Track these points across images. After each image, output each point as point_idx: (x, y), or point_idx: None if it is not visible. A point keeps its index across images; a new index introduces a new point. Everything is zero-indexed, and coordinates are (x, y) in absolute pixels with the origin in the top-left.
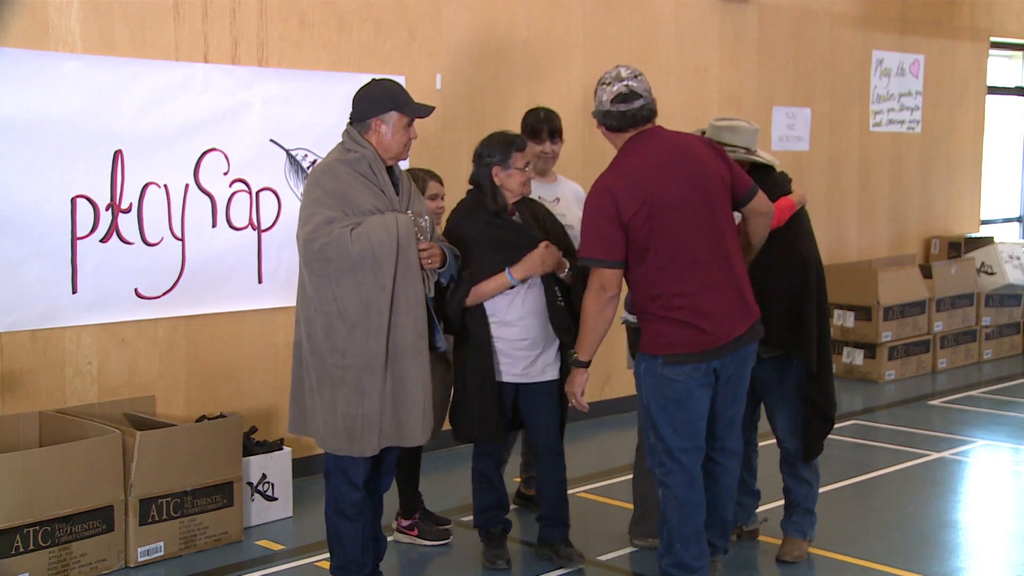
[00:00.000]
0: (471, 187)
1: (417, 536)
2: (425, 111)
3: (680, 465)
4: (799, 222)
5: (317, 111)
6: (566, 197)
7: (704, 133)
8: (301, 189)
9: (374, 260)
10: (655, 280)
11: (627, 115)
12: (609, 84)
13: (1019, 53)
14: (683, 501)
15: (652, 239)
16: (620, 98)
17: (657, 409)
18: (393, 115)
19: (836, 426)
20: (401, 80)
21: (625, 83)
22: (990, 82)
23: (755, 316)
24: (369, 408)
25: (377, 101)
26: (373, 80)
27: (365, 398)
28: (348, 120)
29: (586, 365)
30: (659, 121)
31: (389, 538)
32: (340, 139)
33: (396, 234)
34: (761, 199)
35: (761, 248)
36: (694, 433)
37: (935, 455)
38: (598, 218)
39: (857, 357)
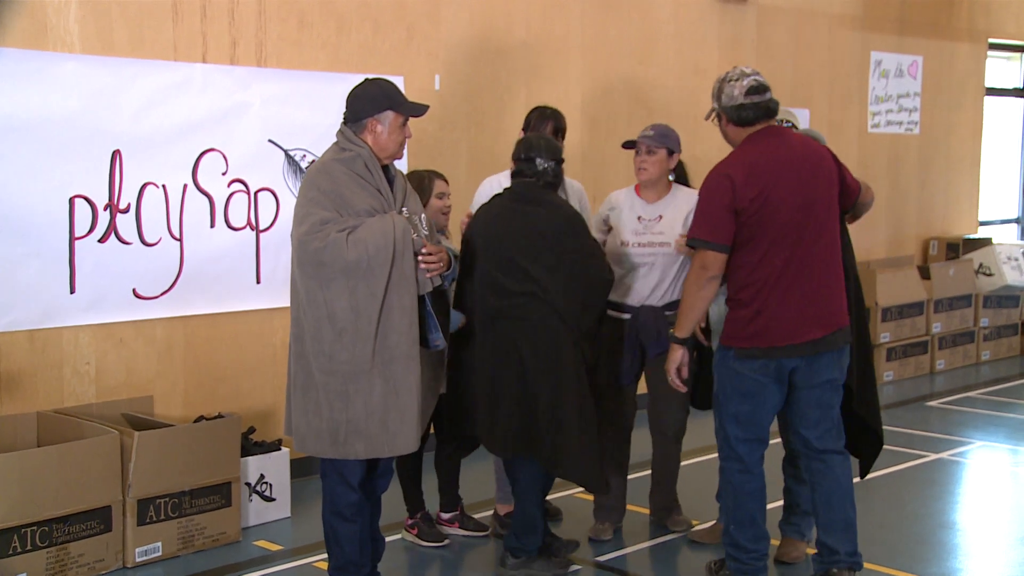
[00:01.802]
0: (545, 188)
1: (417, 536)
2: (420, 110)
3: (735, 454)
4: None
5: (316, 111)
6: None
7: None
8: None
9: (368, 267)
10: (751, 270)
11: (760, 106)
12: (737, 80)
13: (1017, 54)
14: (736, 487)
15: (757, 232)
16: (753, 90)
17: (724, 398)
18: (389, 114)
19: None
20: (400, 81)
21: (752, 78)
22: (988, 83)
23: (838, 325)
24: (353, 414)
25: (373, 100)
26: (367, 79)
27: (350, 404)
28: (342, 120)
29: (682, 343)
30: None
31: (394, 536)
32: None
33: (393, 241)
34: (866, 194)
35: None
36: (755, 426)
37: (933, 456)
38: (712, 202)
39: None
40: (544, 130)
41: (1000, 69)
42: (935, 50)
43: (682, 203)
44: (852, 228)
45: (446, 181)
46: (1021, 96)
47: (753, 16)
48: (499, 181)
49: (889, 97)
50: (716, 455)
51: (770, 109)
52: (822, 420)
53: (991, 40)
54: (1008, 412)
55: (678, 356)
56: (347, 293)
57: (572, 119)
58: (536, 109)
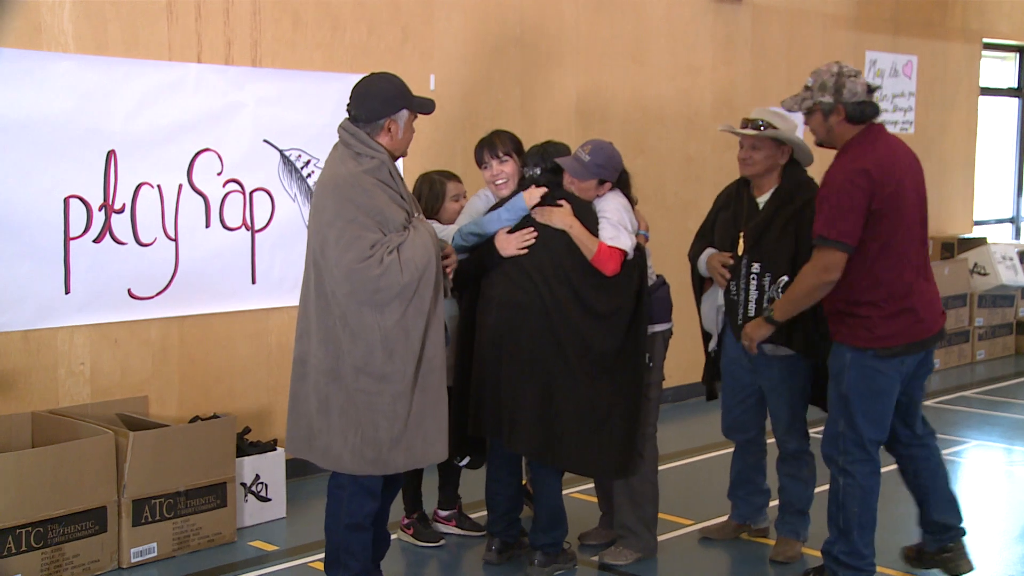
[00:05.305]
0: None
1: (412, 536)
2: (431, 106)
3: (868, 455)
4: None
5: (311, 111)
6: None
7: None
8: (295, 189)
9: (418, 288)
10: (886, 270)
11: (876, 105)
12: (855, 76)
13: (1012, 54)
14: (867, 490)
15: (891, 230)
16: (871, 88)
17: (857, 399)
18: (404, 113)
19: None
20: None
21: (864, 77)
22: (983, 83)
23: (944, 313)
24: (398, 430)
25: (388, 100)
26: (373, 75)
27: (396, 420)
28: (351, 119)
29: (776, 324)
30: (651, 121)
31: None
32: (339, 139)
33: (434, 254)
34: None
35: (795, 254)
36: (885, 426)
37: None
38: (850, 199)
39: None
40: (494, 157)
41: (994, 69)
42: (929, 50)
43: (598, 206)
44: None
45: (459, 181)
46: (1015, 96)
47: (747, 15)
48: (487, 195)
49: (884, 97)
50: (723, 452)
51: (879, 109)
52: (920, 408)
53: (985, 40)
54: (1003, 411)
55: (765, 333)
56: (399, 314)
57: (566, 119)
58: (480, 142)
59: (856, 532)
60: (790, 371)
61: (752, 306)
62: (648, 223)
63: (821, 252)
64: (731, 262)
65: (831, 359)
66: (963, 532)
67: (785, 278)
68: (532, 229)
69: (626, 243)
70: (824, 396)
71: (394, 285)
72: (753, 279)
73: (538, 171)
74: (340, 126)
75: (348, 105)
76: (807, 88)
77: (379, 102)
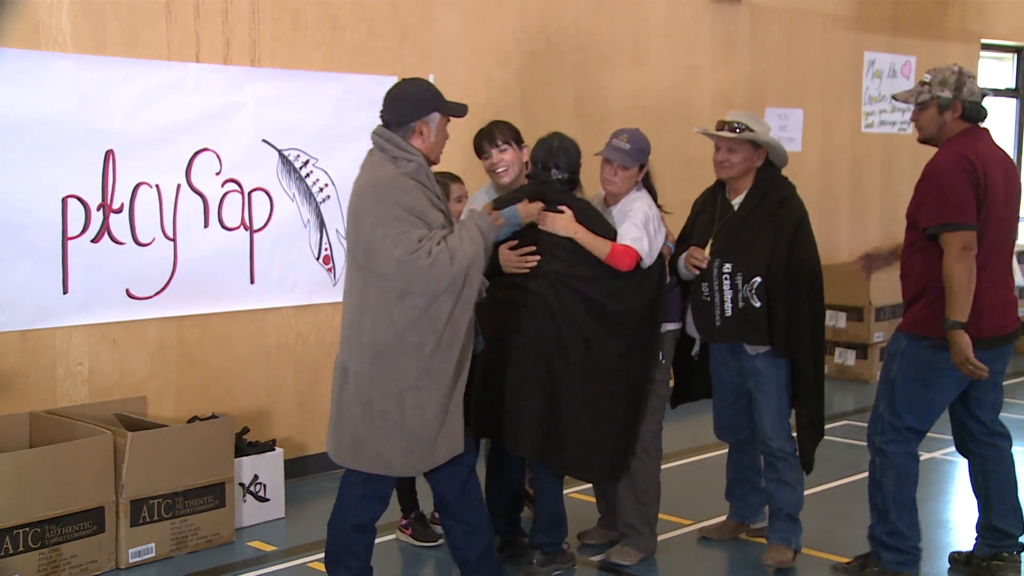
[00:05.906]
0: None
1: (411, 536)
2: (463, 110)
3: (904, 438)
4: (802, 228)
5: (310, 111)
6: None
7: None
8: (293, 189)
9: (466, 278)
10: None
11: (987, 109)
12: (973, 78)
13: (1010, 55)
14: (902, 469)
15: (981, 218)
16: (983, 94)
17: (903, 386)
18: (436, 116)
19: (828, 426)
20: (393, 81)
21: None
22: (981, 84)
23: (1020, 318)
24: (442, 421)
25: (420, 103)
26: (405, 79)
27: (441, 413)
28: (384, 124)
29: (962, 326)
30: (651, 121)
31: (388, 536)
32: (373, 145)
33: (482, 247)
34: None
35: (771, 253)
36: (928, 419)
37: (926, 455)
38: (959, 184)
39: (849, 358)
40: (494, 145)
41: (993, 69)
42: (928, 50)
43: (627, 206)
44: (845, 228)
45: (462, 182)
46: (1014, 96)
47: (747, 16)
48: (487, 189)
49: (882, 97)
50: (722, 452)
51: (987, 113)
52: (999, 403)
53: (983, 40)
54: (1003, 411)
55: (966, 340)
56: (450, 307)
57: (566, 119)
58: (479, 133)
59: (894, 511)
60: (775, 364)
61: (728, 306)
62: (673, 235)
63: (952, 237)
64: (705, 257)
65: (889, 344)
66: (1021, 547)
67: (758, 279)
68: (533, 248)
69: (645, 249)
70: (800, 399)
71: (445, 275)
72: (726, 279)
73: (565, 175)
74: (374, 132)
75: (381, 111)
76: (923, 83)
77: (410, 105)
